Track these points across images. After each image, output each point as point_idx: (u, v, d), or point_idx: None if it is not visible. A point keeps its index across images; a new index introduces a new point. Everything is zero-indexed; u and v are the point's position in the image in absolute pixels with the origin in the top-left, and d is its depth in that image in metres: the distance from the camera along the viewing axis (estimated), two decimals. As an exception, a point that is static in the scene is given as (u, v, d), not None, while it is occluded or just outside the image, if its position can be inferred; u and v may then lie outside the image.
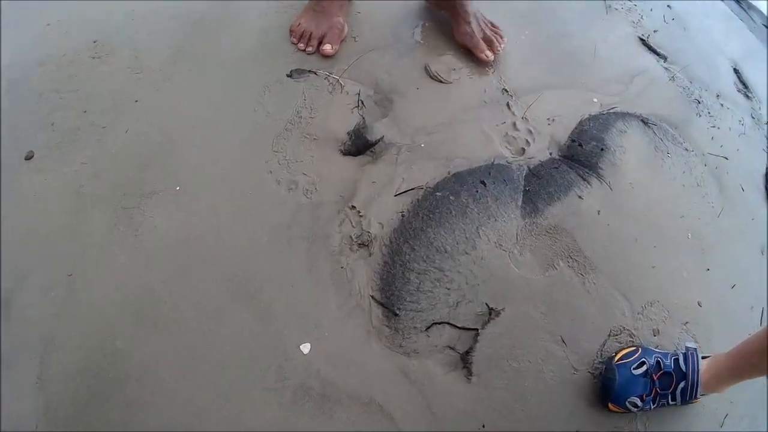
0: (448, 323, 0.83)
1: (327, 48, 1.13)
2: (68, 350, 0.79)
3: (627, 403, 0.81)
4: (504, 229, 0.91)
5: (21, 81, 1.09)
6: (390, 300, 0.83)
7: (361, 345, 0.84)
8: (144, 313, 0.82)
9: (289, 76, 1.11)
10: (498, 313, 0.84)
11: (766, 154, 1.62)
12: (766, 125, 1.77)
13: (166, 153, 0.99)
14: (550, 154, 1.11)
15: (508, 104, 1.15)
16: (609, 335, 0.95)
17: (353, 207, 0.92)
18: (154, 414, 0.75)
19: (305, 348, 0.81)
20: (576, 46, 1.40)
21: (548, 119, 1.17)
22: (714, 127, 1.49)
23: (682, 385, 0.81)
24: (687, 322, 1.04)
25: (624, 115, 1.26)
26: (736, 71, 1.85)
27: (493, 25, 1.30)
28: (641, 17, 1.70)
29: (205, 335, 0.80)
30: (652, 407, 0.82)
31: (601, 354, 0.92)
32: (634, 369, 0.82)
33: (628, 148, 1.17)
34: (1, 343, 0.80)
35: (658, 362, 0.84)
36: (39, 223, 0.91)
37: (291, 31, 1.18)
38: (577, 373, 0.89)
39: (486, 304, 0.85)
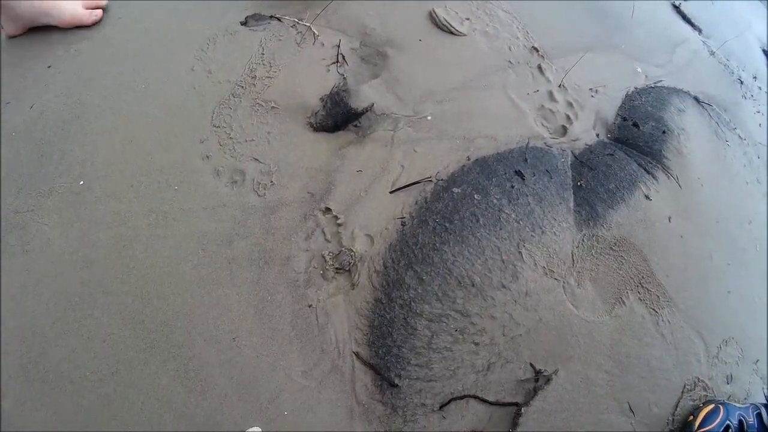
0: (475, 396, 0.47)
1: None
2: None
3: None
4: (555, 247, 0.54)
5: None
6: (385, 361, 0.46)
7: (341, 425, 0.47)
8: (32, 363, 0.44)
9: (244, 23, 0.72)
10: (548, 379, 0.48)
11: None
12: None
13: (73, 134, 0.60)
14: (597, 135, 0.74)
15: (539, 67, 0.78)
16: (683, 391, 0.60)
17: (328, 210, 0.54)
18: None
19: None
20: (611, 3, 1.02)
21: (591, 89, 0.80)
22: (759, 112, 1.18)
23: None
24: (758, 361, 0.72)
25: (676, 91, 0.90)
26: (766, 53, 1.53)
27: None
28: None
29: (109, 401, 0.43)
30: None
31: (673, 420, 0.58)
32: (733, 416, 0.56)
33: (690, 133, 0.81)
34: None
35: (741, 422, 0.60)
36: None
37: None
38: None
39: (531, 365, 0.49)
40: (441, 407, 0.48)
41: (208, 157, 0.59)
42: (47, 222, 0.58)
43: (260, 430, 0.47)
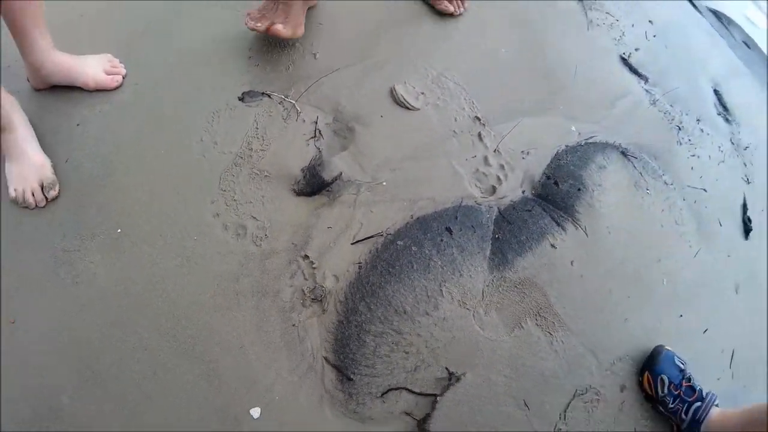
0: (405, 389, 0.87)
1: (278, 27, 1.10)
2: (12, 402, 0.82)
3: (659, 380, 1.02)
4: (469, 285, 0.95)
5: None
6: (344, 363, 0.86)
7: (314, 411, 0.87)
8: (86, 368, 0.83)
9: (241, 99, 1.12)
10: (458, 378, 0.88)
11: (744, 182, 1.72)
12: (745, 150, 1.88)
13: (107, 188, 0.99)
14: (523, 192, 1.15)
15: (479, 135, 1.19)
16: (575, 395, 1.01)
17: (306, 257, 0.94)
18: None
19: (255, 412, 0.84)
20: (556, 65, 1.45)
21: (523, 152, 1.21)
22: (694, 156, 1.60)
23: (697, 404, 0.99)
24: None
25: (603, 147, 1.32)
26: (716, 92, 1.96)
27: None
28: (623, 34, 1.78)
29: (149, 395, 0.83)
30: (669, 406, 1.01)
31: (565, 416, 0.98)
32: (677, 359, 1.04)
33: (606, 187, 1.23)
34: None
35: (690, 378, 1.03)
36: None
37: (247, 14, 1.16)
38: None
39: (446, 368, 0.89)
40: (382, 395, 0.87)
41: (218, 214, 0.99)
42: (92, 260, 0.97)
43: (260, 409, 0.86)
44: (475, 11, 1.46)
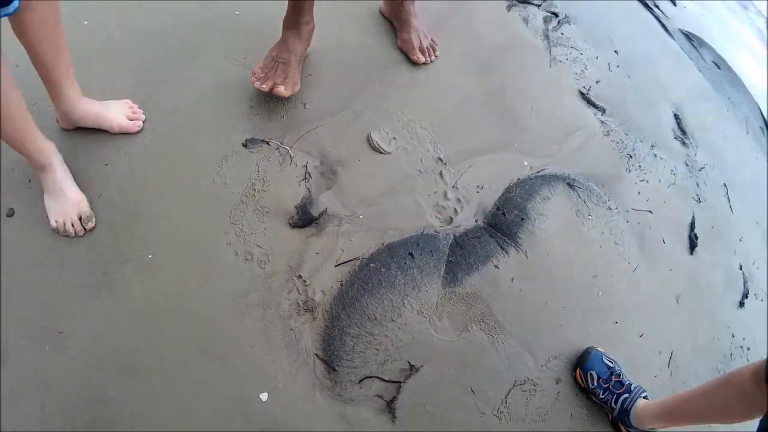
0: (377, 377, 1.27)
1: (281, 89, 1.51)
2: (64, 395, 1.19)
3: (588, 375, 1.39)
4: (426, 299, 1.35)
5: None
6: (330, 358, 1.26)
7: (308, 394, 1.26)
8: (127, 365, 1.23)
9: (244, 145, 1.52)
10: (417, 370, 1.28)
11: (695, 202, 2.11)
12: (700, 171, 2.27)
13: (137, 220, 1.38)
14: (476, 221, 1.56)
15: (441, 173, 1.60)
16: (514, 385, 1.41)
17: (300, 276, 1.35)
18: None
19: (264, 396, 1.23)
20: (514, 105, 1.85)
21: (478, 187, 1.62)
22: (643, 180, 1.99)
23: (624, 396, 1.35)
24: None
25: (550, 180, 1.73)
26: (676, 117, 2.36)
27: (433, 40, 1.86)
28: (585, 67, 2.18)
29: (180, 385, 1.22)
30: (600, 397, 1.38)
31: (506, 400, 1.38)
32: (605, 358, 1.40)
33: (548, 216, 1.64)
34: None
35: (620, 374, 1.39)
36: (22, 277, 1.28)
37: (253, 73, 1.57)
38: (484, 416, 1.35)
39: (408, 362, 1.29)
40: (359, 382, 1.27)
41: (230, 243, 1.39)
42: (128, 280, 1.36)
43: (267, 394, 1.26)
44: (444, 58, 1.86)
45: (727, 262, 2.08)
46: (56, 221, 1.33)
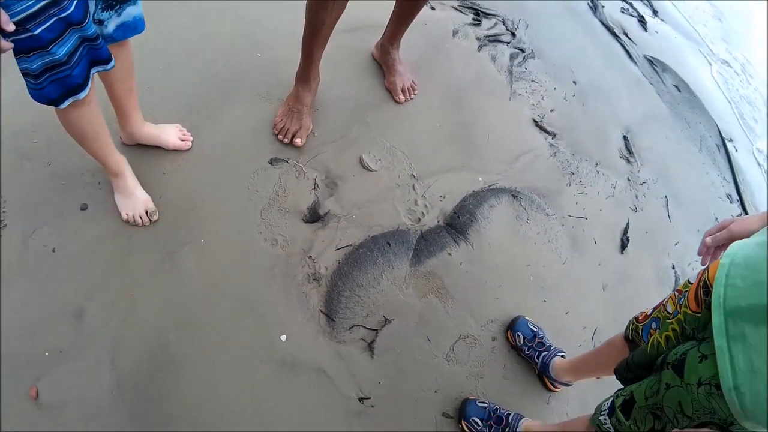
0: (361, 326, 2.18)
1: (297, 141, 2.45)
2: (134, 343, 1.92)
3: (516, 335, 2.18)
4: (397, 273, 2.27)
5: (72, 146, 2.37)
6: (330, 312, 2.17)
7: (314, 337, 2.14)
8: (185, 319, 2.10)
9: (270, 163, 2.45)
10: (390, 322, 2.19)
11: (631, 211, 3.01)
12: (641, 185, 3.18)
13: (192, 215, 2.28)
14: (438, 222, 2.48)
15: (413, 186, 2.51)
16: (459, 338, 2.31)
17: (310, 257, 2.26)
18: (195, 381, 1.99)
19: (283, 337, 2.12)
20: (475, 132, 2.73)
21: (440, 196, 2.53)
22: (582, 193, 2.85)
23: (545, 353, 2.05)
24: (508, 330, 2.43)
25: (498, 192, 2.64)
26: (625, 138, 3.24)
27: (414, 81, 2.69)
28: (542, 98, 3.07)
29: (224, 330, 2.04)
30: (525, 353, 2.13)
31: (453, 348, 2.30)
32: (530, 324, 2.20)
33: (492, 219, 2.55)
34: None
35: (542, 337, 2.19)
36: (98, 257, 2.08)
37: (274, 124, 2.49)
38: (436, 358, 2.25)
39: (384, 316, 2.21)
40: (349, 329, 2.17)
41: (260, 233, 2.30)
42: (185, 258, 2.22)
43: (286, 335, 2.18)
44: (420, 96, 2.78)
45: (659, 262, 2.82)
46: (127, 214, 1.96)
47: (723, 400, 0.93)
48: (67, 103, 1.44)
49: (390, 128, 2.57)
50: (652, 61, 3.85)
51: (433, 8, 3.19)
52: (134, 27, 1.62)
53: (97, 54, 1.43)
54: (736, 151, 3.70)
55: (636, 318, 1.46)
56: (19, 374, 1.72)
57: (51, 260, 1.91)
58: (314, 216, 2.22)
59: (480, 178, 2.57)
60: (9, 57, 1.33)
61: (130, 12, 1.56)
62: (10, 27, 1.08)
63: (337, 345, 2.07)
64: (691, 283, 1.20)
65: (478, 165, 2.63)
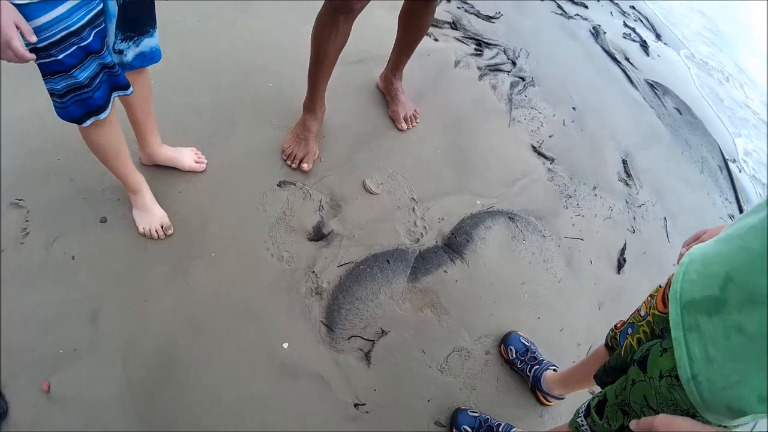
0: (360, 336, 2.45)
1: (304, 166, 2.74)
2: (144, 345, 2.13)
3: (509, 349, 2.33)
4: (395, 289, 2.53)
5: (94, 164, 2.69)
6: (330, 323, 2.44)
7: (314, 346, 2.39)
8: (194, 326, 2.35)
9: (279, 185, 2.74)
10: (386, 333, 2.45)
11: (629, 232, 3.25)
12: (639, 207, 3.41)
13: (204, 231, 2.55)
14: (436, 242, 2.75)
15: (413, 208, 2.79)
16: (453, 350, 2.57)
17: (314, 272, 2.54)
18: (199, 384, 2.21)
19: (285, 345, 2.37)
20: (474, 158, 2.99)
21: (439, 218, 2.80)
22: (579, 215, 3.08)
23: (536, 366, 2.17)
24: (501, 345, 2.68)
25: (495, 214, 2.90)
26: (624, 162, 3.48)
27: (416, 110, 2.94)
28: (541, 124, 3.33)
29: (230, 337, 2.27)
30: (518, 366, 2.25)
31: (447, 360, 2.56)
32: (522, 339, 2.39)
33: (489, 240, 2.80)
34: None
35: (535, 351, 2.36)
36: (115, 265, 2.34)
37: (282, 150, 2.79)
38: (430, 369, 2.50)
39: (381, 328, 2.47)
40: (348, 339, 2.43)
41: (268, 249, 2.58)
42: (198, 269, 2.42)
43: (288, 343, 2.46)
44: (422, 124, 3.06)
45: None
46: (143, 228, 2.17)
47: (683, 390, 0.97)
48: (89, 122, 1.67)
49: (392, 154, 2.83)
50: (653, 85, 4.05)
51: (436, 39, 3.48)
52: (151, 57, 1.87)
53: (116, 80, 1.67)
54: (740, 171, 3.86)
55: (615, 326, 1.57)
56: (34, 368, 1.89)
57: (70, 266, 2.10)
58: (318, 235, 2.49)
59: (478, 201, 2.81)
60: (36, 77, 1.62)
61: (147, 43, 1.80)
62: (33, 38, 1.29)
63: (335, 354, 2.29)
64: (661, 287, 1.29)
65: (477, 189, 2.86)
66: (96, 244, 2.21)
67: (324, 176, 2.64)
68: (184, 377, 2.09)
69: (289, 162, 2.65)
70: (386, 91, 2.89)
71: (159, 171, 2.43)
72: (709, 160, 3.80)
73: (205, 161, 2.54)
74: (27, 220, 2.19)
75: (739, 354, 0.90)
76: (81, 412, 1.87)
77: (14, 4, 1.24)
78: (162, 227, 2.26)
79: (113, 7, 1.57)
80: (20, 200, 2.24)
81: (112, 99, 1.71)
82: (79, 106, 1.61)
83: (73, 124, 1.70)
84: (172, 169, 2.45)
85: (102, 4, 1.51)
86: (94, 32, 1.49)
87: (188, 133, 2.67)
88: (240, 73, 2.87)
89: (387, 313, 2.37)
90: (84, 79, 1.55)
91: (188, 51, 2.97)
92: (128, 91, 1.75)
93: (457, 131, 3.05)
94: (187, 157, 2.45)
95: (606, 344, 1.62)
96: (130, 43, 1.75)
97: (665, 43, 4.55)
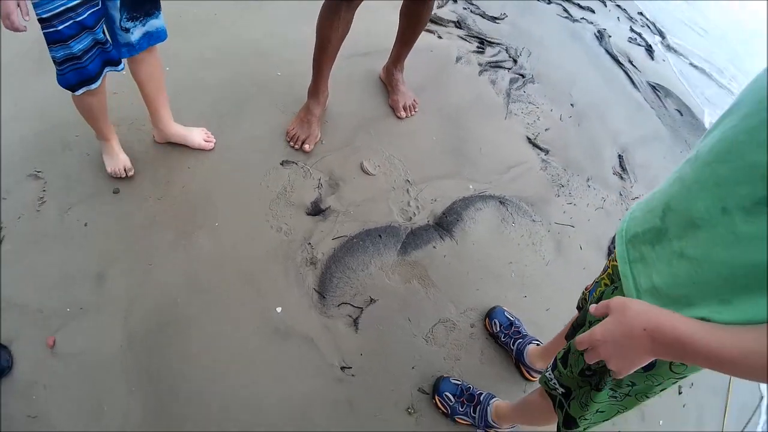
0: (349, 304, 2.64)
1: (306, 147, 2.95)
2: (146, 304, 2.35)
3: (493, 322, 2.48)
4: (385, 261, 2.72)
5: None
6: (322, 290, 2.63)
7: (306, 311, 2.56)
8: (194, 287, 2.56)
9: (281, 164, 2.97)
10: (374, 301, 2.63)
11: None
12: (633, 199, 3.57)
13: (209, 203, 2.77)
14: (428, 221, 2.94)
15: (407, 190, 2.99)
16: (439, 321, 2.75)
17: (310, 244, 2.74)
18: (196, 340, 2.41)
19: (279, 309, 2.56)
20: (469, 146, 3.18)
21: (432, 200, 2.99)
22: (570, 204, 3.24)
23: (519, 340, 2.32)
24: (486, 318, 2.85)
25: (486, 198, 3.08)
26: (620, 157, 3.64)
27: (415, 100, 3.14)
28: (538, 118, 3.51)
29: (228, 298, 2.47)
30: (502, 339, 2.41)
31: (432, 330, 2.74)
32: (506, 313, 2.55)
33: (478, 220, 2.99)
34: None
35: (519, 326, 2.52)
36: (124, 232, 2.59)
37: (286, 132, 3.02)
38: (416, 337, 2.69)
39: (369, 296, 2.66)
40: (338, 305, 2.61)
41: (268, 221, 2.78)
42: (201, 237, 2.62)
43: (281, 308, 2.65)
44: (421, 113, 3.27)
45: None
46: (111, 169, 2.38)
47: None
48: (81, 91, 1.94)
49: (390, 139, 3.03)
50: (655, 87, 4.21)
51: (440, 37, 3.70)
52: (157, 36, 2.12)
53: (108, 56, 1.94)
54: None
55: (585, 288, 1.62)
56: (41, 325, 2.06)
57: (82, 232, 2.30)
58: (316, 210, 2.70)
59: (471, 186, 3.00)
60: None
61: (153, 23, 2.06)
62: (27, 18, 1.60)
63: (325, 319, 2.47)
64: None
65: (470, 174, 3.05)
66: (108, 212, 2.40)
67: (324, 156, 2.85)
68: (182, 333, 2.26)
69: (292, 143, 2.86)
70: (387, 82, 3.12)
71: (171, 147, 2.69)
72: (707, 159, 3.82)
73: (214, 140, 2.74)
74: (44, 190, 2.40)
75: (682, 279, 0.94)
76: (84, 367, 2.03)
77: None
78: (125, 168, 2.47)
79: None
80: (38, 171, 2.45)
81: (104, 72, 1.97)
82: (74, 74, 1.87)
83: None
84: (182, 147, 2.68)
85: None
86: (89, 11, 1.74)
87: (200, 114, 2.94)
88: (251, 60, 3.18)
89: (376, 282, 2.55)
90: (78, 51, 1.81)
91: (204, 39, 3.23)
92: (119, 68, 2.01)
93: (454, 122, 3.23)
94: (197, 135, 2.67)
95: (577, 307, 1.68)
96: (137, 23, 1.99)
97: (671, 48, 4.69)
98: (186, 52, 3.09)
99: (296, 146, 2.87)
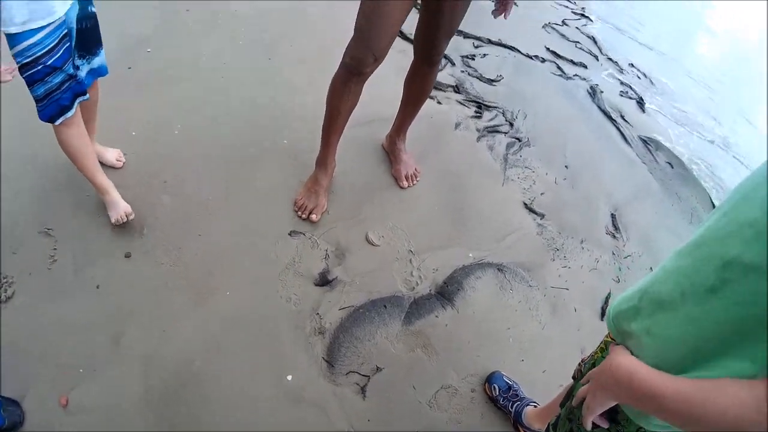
0: (356, 372, 2.86)
1: (313, 217, 3.20)
2: (163, 365, 2.60)
3: (493, 387, 2.61)
4: (390, 331, 2.95)
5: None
6: (330, 359, 2.85)
7: (315, 379, 2.77)
8: (211, 349, 2.81)
9: (290, 234, 3.21)
10: (381, 370, 2.86)
11: (614, 282, 3.66)
12: (625, 258, 3.82)
13: (221, 272, 3.00)
14: (430, 290, 3.19)
15: (410, 260, 3.23)
16: (441, 387, 2.96)
17: (318, 314, 2.97)
18: (211, 399, 2.72)
19: (289, 377, 2.76)
20: (468, 214, 3.44)
21: (434, 269, 3.24)
22: (565, 267, 3.50)
23: (518, 402, 2.42)
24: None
25: (485, 266, 3.33)
26: (613, 216, 3.89)
27: (416, 169, 3.38)
28: (533, 182, 3.77)
29: (240, 367, 2.68)
30: (501, 403, 2.53)
31: (435, 396, 2.98)
32: (505, 377, 2.60)
33: (477, 288, 3.24)
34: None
35: (517, 389, 2.67)
36: (137, 297, 2.79)
37: (295, 202, 3.27)
38: (420, 404, 2.90)
39: (376, 365, 2.89)
40: (346, 374, 2.84)
41: (278, 291, 3.00)
42: (215, 305, 2.97)
43: (291, 376, 2.88)
44: (422, 182, 3.53)
45: None
46: (115, 219, 2.55)
47: None
48: (60, 120, 2.17)
49: (393, 210, 3.28)
50: (646, 141, 4.49)
51: (439, 102, 3.98)
52: (99, 72, 2.48)
53: (78, 87, 2.20)
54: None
55: (582, 359, 1.66)
56: (54, 381, 2.18)
57: (95, 292, 2.47)
58: (324, 280, 2.95)
59: (470, 254, 3.24)
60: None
61: (96, 61, 2.40)
62: (8, 77, 2.14)
63: (334, 387, 2.67)
64: None
65: (470, 243, 3.30)
66: (121, 276, 2.57)
67: (331, 228, 3.09)
68: (198, 394, 2.46)
69: (299, 213, 3.11)
70: (390, 151, 3.37)
71: (180, 214, 3.04)
72: (699, 210, 4.17)
73: (124, 160, 3.03)
74: (55, 248, 2.57)
75: (648, 354, 1.03)
76: (97, 426, 2.13)
77: (9, 34, 1.85)
78: (126, 214, 2.63)
79: (73, 32, 2.09)
80: (49, 229, 2.64)
81: (76, 102, 2.20)
82: (53, 107, 2.11)
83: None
84: (197, 217, 2.98)
85: (66, 30, 2.02)
86: (63, 48, 2.03)
87: (211, 181, 3.22)
88: (262, 128, 3.53)
89: (382, 351, 2.78)
90: (56, 84, 2.06)
91: (219, 107, 3.50)
92: (86, 97, 2.27)
93: (454, 189, 3.48)
94: (111, 155, 2.95)
95: (573, 377, 1.70)
96: (84, 61, 2.30)
97: (661, 98, 4.98)
98: (207, 118, 3.35)
99: (303, 216, 3.10)
